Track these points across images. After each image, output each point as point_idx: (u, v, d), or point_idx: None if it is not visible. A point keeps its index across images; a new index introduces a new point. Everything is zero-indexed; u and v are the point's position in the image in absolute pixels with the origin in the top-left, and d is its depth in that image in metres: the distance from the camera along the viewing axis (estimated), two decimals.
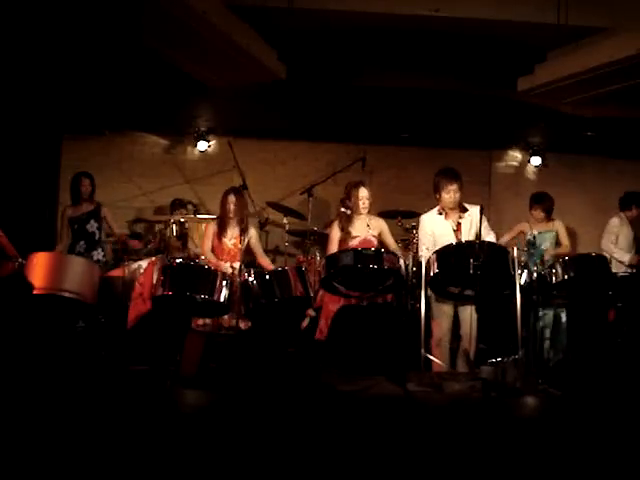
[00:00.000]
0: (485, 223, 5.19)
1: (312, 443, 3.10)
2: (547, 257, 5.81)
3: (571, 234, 8.26)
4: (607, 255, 5.92)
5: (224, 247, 5.46)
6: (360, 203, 5.47)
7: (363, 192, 5.50)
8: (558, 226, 6.21)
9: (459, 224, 5.24)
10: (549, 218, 6.20)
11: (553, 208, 6.24)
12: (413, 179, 8.52)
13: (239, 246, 5.39)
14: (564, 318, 5.77)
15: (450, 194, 5.19)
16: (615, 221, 6.63)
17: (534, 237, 6.01)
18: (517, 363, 4.75)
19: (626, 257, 6.47)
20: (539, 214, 6.19)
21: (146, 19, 5.52)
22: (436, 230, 5.24)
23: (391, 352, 5.01)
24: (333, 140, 8.38)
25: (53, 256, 5.29)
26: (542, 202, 6.22)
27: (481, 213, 5.08)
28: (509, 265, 4.88)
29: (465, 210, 5.27)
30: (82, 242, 6.16)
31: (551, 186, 8.44)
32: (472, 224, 5.19)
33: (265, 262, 5.61)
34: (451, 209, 5.26)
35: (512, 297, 4.87)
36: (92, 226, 6.20)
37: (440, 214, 5.28)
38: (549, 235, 6.13)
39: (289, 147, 8.62)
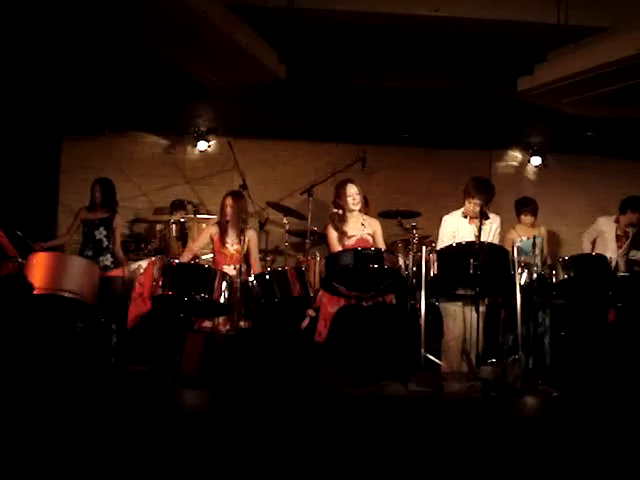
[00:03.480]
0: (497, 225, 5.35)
1: (312, 443, 3.10)
2: (549, 262, 5.78)
3: (571, 234, 8.32)
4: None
5: (226, 252, 5.37)
6: (350, 199, 5.42)
7: (351, 188, 5.44)
8: (543, 232, 6.20)
9: (480, 229, 5.26)
10: (534, 223, 6.20)
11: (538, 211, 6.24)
12: (413, 179, 8.54)
13: (240, 250, 5.31)
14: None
15: (472, 205, 5.29)
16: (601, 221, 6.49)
17: (531, 239, 5.98)
18: (517, 363, 4.75)
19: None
20: (529, 219, 6.19)
21: (146, 19, 5.53)
22: (460, 231, 5.35)
23: (391, 353, 5.00)
24: (333, 140, 8.38)
25: (53, 256, 5.28)
26: (529, 206, 6.23)
27: (481, 213, 5.10)
28: (509, 265, 4.90)
29: (487, 217, 5.29)
30: (90, 246, 6.17)
31: (551, 186, 8.51)
32: (491, 230, 5.32)
33: (257, 269, 5.44)
34: (472, 217, 5.37)
35: (512, 297, 4.89)
36: (100, 233, 6.17)
37: (465, 217, 5.40)
38: (539, 240, 6.09)
39: (289, 147, 8.62)
